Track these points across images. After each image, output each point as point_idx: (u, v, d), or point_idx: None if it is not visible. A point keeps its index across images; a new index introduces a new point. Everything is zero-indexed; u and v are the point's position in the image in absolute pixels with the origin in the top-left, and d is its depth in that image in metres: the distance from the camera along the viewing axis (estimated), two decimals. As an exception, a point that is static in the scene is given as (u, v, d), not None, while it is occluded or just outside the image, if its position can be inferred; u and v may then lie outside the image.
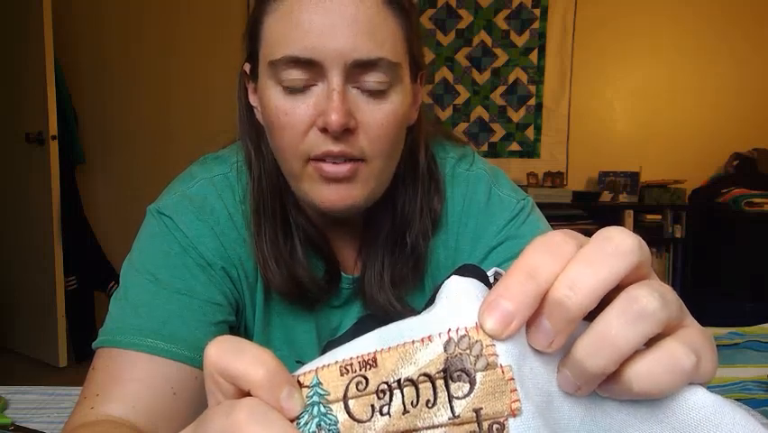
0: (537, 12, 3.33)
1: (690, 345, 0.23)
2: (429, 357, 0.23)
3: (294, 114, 0.58)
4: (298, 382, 0.25)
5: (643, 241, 0.24)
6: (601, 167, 3.34)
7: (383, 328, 0.25)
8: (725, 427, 0.23)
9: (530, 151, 3.44)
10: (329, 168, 0.58)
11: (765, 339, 1.20)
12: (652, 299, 0.22)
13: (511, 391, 0.22)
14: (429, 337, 0.24)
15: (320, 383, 0.25)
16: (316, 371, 0.25)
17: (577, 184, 3.42)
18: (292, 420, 0.24)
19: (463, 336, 0.23)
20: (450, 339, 0.23)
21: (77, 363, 2.78)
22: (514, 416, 0.22)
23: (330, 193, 0.60)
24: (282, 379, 0.24)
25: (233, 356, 0.24)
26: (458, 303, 0.24)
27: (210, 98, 3.12)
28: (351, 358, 0.25)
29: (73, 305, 2.85)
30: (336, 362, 0.25)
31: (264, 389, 0.24)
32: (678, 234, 3.24)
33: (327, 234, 0.70)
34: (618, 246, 0.23)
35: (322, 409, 0.24)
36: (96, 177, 3.32)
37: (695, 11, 3.28)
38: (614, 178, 3.28)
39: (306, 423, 0.24)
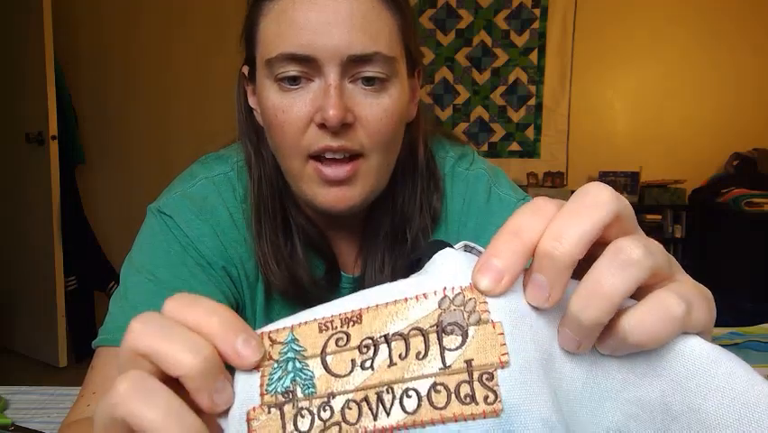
0: (537, 12, 3.33)
1: (679, 293, 0.24)
2: (423, 313, 0.24)
3: (291, 111, 0.58)
4: (270, 338, 0.26)
5: (621, 196, 0.25)
6: (601, 167, 3.34)
7: (367, 291, 0.26)
8: (720, 376, 0.24)
9: (530, 151, 3.44)
10: (329, 171, 0.59)
11: (765, 339, 1.20)
12: (635, 248, 0.23)
13: (501, 345, 0.23)
14: (424, 295, 0.25)
15: (296, 340, 0.25)
16: (292, 328, 0.26)
17: (577, 184, 3.41)
18: (263, 376, 0.25)
19: (458, 294, 0.24)
20: (445, 296, 0.24)
21: (77, 363, 2.78)
22: (502, 367, 0.23)
23: (329, 195, 0.60)
24: (237, 327, 0.24)
25: (187, 308, 0.25)
26: (451, 267, 0.25)
27: (210, 98, 3.12)
28: (331, 316, 0.25)
29: (73, 305, 2.85)
30: (315, 319, 0.26)
31: (219, 337, 0.24)
32: (678, 235, 3.24)
33: (327, 233, 0.70)
34: (596, 198, 0.24)
35: (297, 364, 0.25)
36: (96, 177, 3.32)
37: (695, 11, 3.28)
38: (614, 178, 3.28)
39: (280, 378, 0.24)
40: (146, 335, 0.24)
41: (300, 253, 0.67)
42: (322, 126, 0.57)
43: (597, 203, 0.24)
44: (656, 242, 0.25)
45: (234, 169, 0.68)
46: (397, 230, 0.68)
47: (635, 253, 0.23)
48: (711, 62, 3.30)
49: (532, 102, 3.41)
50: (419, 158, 0.69)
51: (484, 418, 0.22)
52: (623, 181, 3.27)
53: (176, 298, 0.26)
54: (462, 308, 0.24)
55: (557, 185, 3.35)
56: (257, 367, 0.25)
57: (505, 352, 0.23)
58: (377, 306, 0.25)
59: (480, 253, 0.26)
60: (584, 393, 0.25)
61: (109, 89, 3.32)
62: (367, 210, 0.67)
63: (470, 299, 0.24)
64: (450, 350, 0.23)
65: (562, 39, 3.34)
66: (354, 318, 0.25)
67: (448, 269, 0.26)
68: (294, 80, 0.58)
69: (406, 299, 0.25)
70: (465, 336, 0.24)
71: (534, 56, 3.37)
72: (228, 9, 3.28)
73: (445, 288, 0.25)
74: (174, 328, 0.24)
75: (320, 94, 0.57)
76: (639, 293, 0.24)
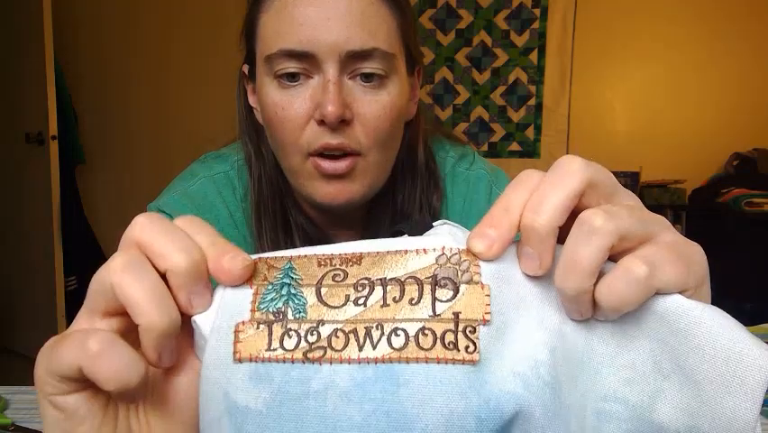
0: (537, 12, 3.33)
1: (643, 256, 0.25)
2: (420, 266, 0.27)
3: (291, 107, 0.58)
4: (267, 262, 0.27)
5: (594, 163, 0.27)
6: (601, 167, 3.33)
7: (370, 240, 0.28)
8: (701, 334, 0.24)
9: (530, 151, 3.44)
10: (327, 165, 0.59)
11: (765, 339, 1.19)
12: (597, 217, 0.25)
13: (486, 305, 0.25)
14: (424, 250, 0.27)
15: (293, 268, 0.27)
16: (291, 258, 0.27)
17: (577, 184, 3.41)
18: (256, 294, 0.26)
19: (455, 254, 0.27)
20: (443, 254, 0.27)
21: (77, 363, 2.78)
22: (484, 324, 0.25)
23: (328, 188, 0.60)
24: (230, 247, 0.27)
25: (193, 224, 0.27)
26: (450, 234, 0.28)
27: (210, 98, 3.11)
28: (332, 254, 0.27)
29: (73, 305, 2.84)
30: (315, 254, 0.27)
31: (210, 251, 0.26)
32: (678, 235, 3.23)
33: (327, 233, 0.70)
34: (567, 168, 0.26)
35: (292, 290, 0.26)
36: (96, 177, 3.31)
37: (695, 11, 3.28)
38: (614, 178, 3.28)
39: (273, 299, 0.26)
40: (149, 229, 0.26)
41: (300, 253, 0.67)
42: (321, 123, 0.57)
43: (568, 173, 0.26)
44: (634, 205, 0.27)
45: (234, 167, 0.68)
46: (397, 230, 0.68)
47: (596, 222, 0.25)
48: (711, 62, 3.30)
49: (532, 102, 3.40)
50: (419, 157, 0.69)
51: (463, 364, 0.24)
52: (623, 181, 3.25)
53: (187, 217, 0.28)
54: (457, 267, 0.26)
55: (557, 185, 3.34)
56: (250, 285, 0.27)
57: (488, 311, 0.25)
58: (378, 252, 0.27)
59: None
60: (583, 360, 0.26)
61: (109, 89, 3.31)
62: (366, 209, 0.67)
63: (465, 260, 0.26)
64: (441, 301, 0.25)
65: (562, 39, 3.34)
66: (354, 260, 0.27)
67: (448, 235, 0.28)
68: (293, 77, 0.58)
69: (406, 251, 0.27)
70: (456, 291, 0.26)
71: (534, 56, 3.37)
72: (228, 9, 3.28)
73: (444, 247, 0.27)
74: (175, 232, 0.26)
75: (319, 90, 0.57)
76: (619, 258, 0.25)
